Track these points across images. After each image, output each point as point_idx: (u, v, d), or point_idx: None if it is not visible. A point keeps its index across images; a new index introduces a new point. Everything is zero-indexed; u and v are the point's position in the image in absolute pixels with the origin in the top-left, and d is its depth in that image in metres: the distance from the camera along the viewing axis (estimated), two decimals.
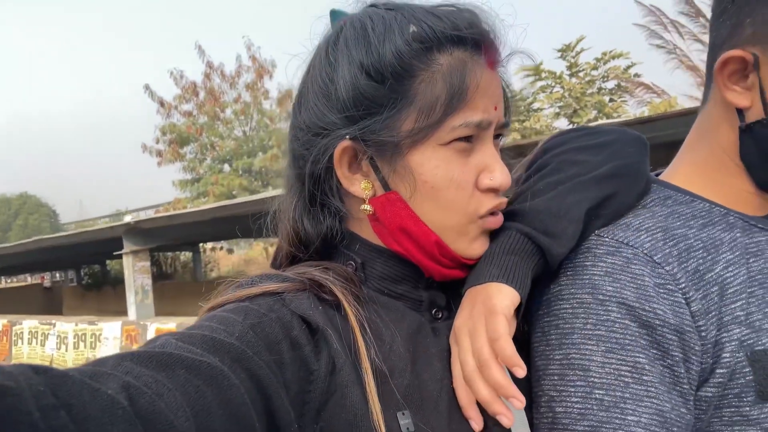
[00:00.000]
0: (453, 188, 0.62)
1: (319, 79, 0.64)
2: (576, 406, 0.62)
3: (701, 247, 0.66)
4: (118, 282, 16.40)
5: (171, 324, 6.99)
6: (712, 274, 0.65)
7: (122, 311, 11.83)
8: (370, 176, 0.64)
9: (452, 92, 0.60)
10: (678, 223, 0.69)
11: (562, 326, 0.65)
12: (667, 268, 0.64)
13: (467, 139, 0.62)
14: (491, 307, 0.61)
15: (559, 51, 11.54)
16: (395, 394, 0.59)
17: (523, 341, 0.69)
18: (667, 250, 0.65)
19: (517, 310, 0.63)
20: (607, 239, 0.67)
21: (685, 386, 0.62)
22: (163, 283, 14.25)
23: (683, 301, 0.63)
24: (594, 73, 11.62)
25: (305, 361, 0.57)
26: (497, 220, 0.66)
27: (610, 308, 0.63)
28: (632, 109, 11.24)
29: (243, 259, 20.34)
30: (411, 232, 0.64)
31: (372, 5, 0.66)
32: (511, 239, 0.66)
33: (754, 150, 0.68)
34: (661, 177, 0.78)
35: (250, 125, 16.15)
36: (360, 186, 0.64)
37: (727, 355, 0.62)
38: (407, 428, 0.58)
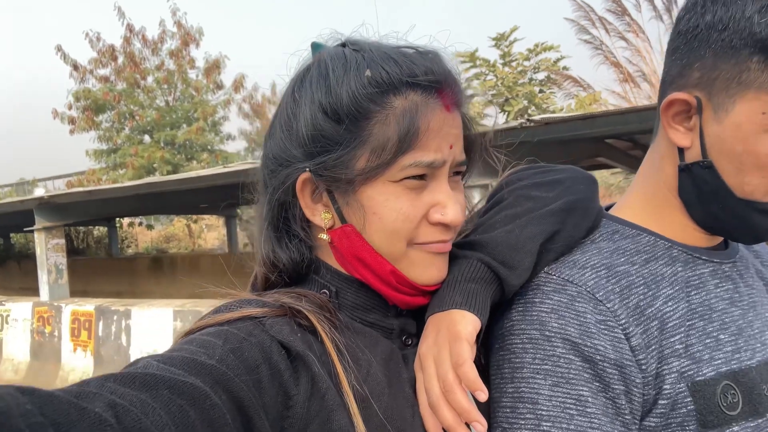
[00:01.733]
0: (400, 220, 0.65)
1: (285, 113, 0.69)
2: None
3: (642, 283, 0.70)
4: (23, 257, 15.25)
5: (89, 306, 6.50)
6: (652, 309, 0.68)
7: (28, 288, 11.01)
8: (329, 208, 0.68)
9: (403, 134, 0.62)
10: (622, 260, 0.72)
11: (513, 360, 0.68)
12: (609, 305, 0.67)
13: (420, 177, 0.65)
14: (455, 334, 0.64)
15: (493, 39, 11.71)
16: (377, 417, 0.62)
17: (481, 371, 0.72)
18: (610, 287, 0.68)
19: (478, 335, 0.67)
20: (554, 277, 0.70)
21: (627, 416, 0.65)
22: (75, 259, 13.37)
23: (623, 337, 0.66)
24: (526, 63, 11.92)
25: (284, 386, 0.58)
26: (439, 247, 0.68)
27: (555, 344, 0.66)
28: (560, 101, 11.66)
29: (163, 235, 19.48)
30: (367, 262, 0.67)
31: (342, 44, 0.69)
32: (472, 267, 0.69)
33: (691, 189, 0.72)
34: (612, 210, 0.82)
35: (173, 95, 15.31)
36: (321, 216, 0.68)
37: (668, 386, 0.66)
38: None
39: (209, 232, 20.01)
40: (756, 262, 0.82)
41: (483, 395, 0.60)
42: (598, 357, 0.65)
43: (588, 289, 0.68)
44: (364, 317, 0.70)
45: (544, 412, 0.64)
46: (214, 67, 15.02)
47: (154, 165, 13.89)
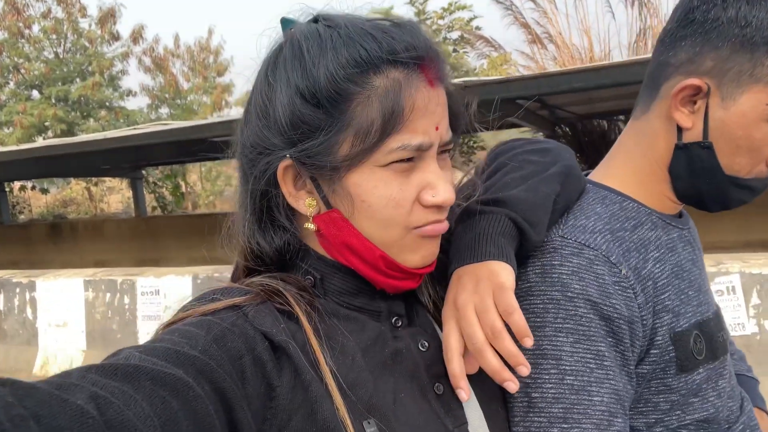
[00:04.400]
0: (391, 207, 0.63)
1: (260, 99, 0.65)
2: (550, 391, 0.70)
3: (635, 247, 0.77)
4: None
5: None
6: (646, 270, 0.76)
7: None
8: (314, 194, 0.66)
9: (387, 115, 0.60)
10: (618, 225, 0.78)
11: (533, 320, 0.72)
12: (621, 267, 0.74)
13: (408, 159, 0.63)
14: (500, 284, 0.66)
15: None
16: (361, 404, 0.61)
17: None
18: (618, 251, 0.75)
19: None
20: (570, 241, 0.75)
21: (631, 367, 0.73)
22: None
23: (633, 296, 0.73)
24: (440, 22, 11.99)
25: (267, 377, 0.58)
26: (436, 228, 0.66)
27: (578, 304, 0.71)
28: (473, 62, 11.88)
29: (59, 199, 18.11)
30: (355, 248, 0.65)
31: (314, 20, 0.66)
32: (502, 223, 0.71)
33: (685, 165, 0.79)
34: (592, 177, 0.88)
35: (63, 46, 14.01)
36: (305, 203, 0.66)
37: (659, 338, 0.75)
38: None
39: (112, 195, 18.85)
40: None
41: (530, 341, 0.63)
42: (616, 315, 0.71)
43: (603, 253, 0.74)
44: (350, 302, 0.68)
45: (567, 367, 0.70)
46: (108, 15, 13.84)
47: (46, 123, 12.79)
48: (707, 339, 0.78)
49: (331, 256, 0.68)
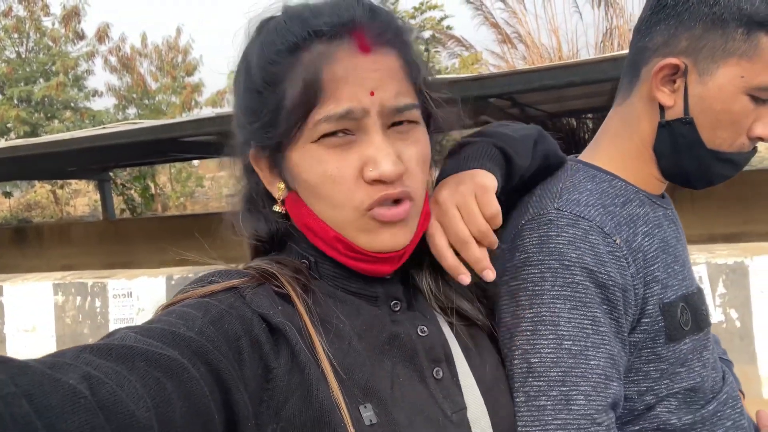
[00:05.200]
0: (329, 184, 0.62)
1: (234, 99, 0.71)
2: (549, 355, 0.72)
3: (624, 222, 0.81)
4: None
5: None
6: (636, 243, 0.80)
7: None
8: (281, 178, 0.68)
9: (307, 87, 0.60)
10: (608, 201, 0.82)
11: (531, 288, 0.75)
12: (614, 238, 0.77)
13: (344, 132, 0.61)
14: (483, 185, 0.67)
15: None
16: (357, 388, 0.61)
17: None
18: (611, 223, 0.79)
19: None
20: (566, 213, 0.78)
21: (624, 334, 0.76)
22: None
23: (626, 265, 0.77)
24: (412, 22, 12.02)
25: (264, 359, 0.58)
26: (393, 213, 0.62)
27: (575, 272, 0.74)
28: (445, 61, 11.96)
29: (23, 203, 17.58)
30: (313, 229, 0.66)
31: (269, 18, 0.67)
32: (486, 148, 0.73)
33: (668, 142, 0.83)
34: (581, 158, 0.91)
35: (26, 45, 13.61)
36: (276, 188, 0.68)
37: (650, 307, 0.78)
38: (370, 420, 0.59)
39: (78, 198, 18.39)
40: None
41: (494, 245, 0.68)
42: (610, 282, 0.74)
43: (597, 224, 0.77)
44: (346, 285, 0.68)
45: (564, 332, 0.72)
46: (72, 14, 13.49)
47: (8, 125, 12.40)
48: (692, 311, 0.82)
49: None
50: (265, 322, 0.60)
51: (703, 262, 3.29)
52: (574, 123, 8.04)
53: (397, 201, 0.63)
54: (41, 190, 16.85)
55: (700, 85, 0.78)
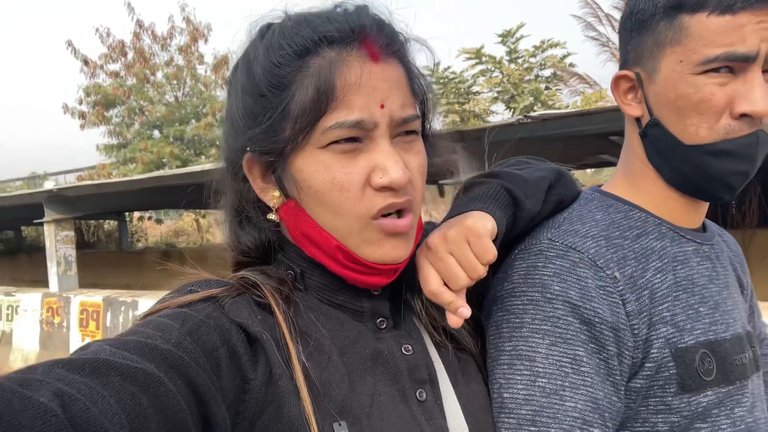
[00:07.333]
0: (336, 191, 0.61)
1: (228, 105, 0.69)
2: (521, 392, 0.69)
3: (633, 256, 0.75)
4: (34, 250, 15.43)
5: (97, 298, 6.63)
6: (644, 279, 0.74)
7: (39, 281, 11.15)
8: (276, 185, 0.66)
9: (319, 93, 0.59)
10: (617, 233, 0.77)
11: (512, 320, 0.72)
12: (608, 272, 0.72)
13: (353, 140, 0.61)
14: (476, 231, 0.64)
15: (499, 36, 11.73)
16: (333, 405, 0.59)
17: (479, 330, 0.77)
18: (609, 256, 0.74)
19: (494, 240, 0.67)
20: (557, 243, 0.75)
21: (617, 377, 0.70)
22: (85, 252, 13.54)
23: (620, 302, 0.71)
24: (532, 60, 11.93)
25: (242, 370, 0.57)
26: (398, 225, 0.62)
27: (556, 305, 0.70)
28: (566, 99, 11.66)
29: (172, 230, 19.64)
30: (312, 238, 0.64)
31: (269, 24, 0.67)
32: (493, 189, 0.71)
33: (653, 150, 0.80)
34: (603, 188, 0.88)
35: (182, 90, 15.42)
36: (270, 195, 0.66)
37: (655, 351, 0.71)
38: None
39: (218, 226, 20.10)
40: (729, 252, 0.89)
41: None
42: (597, 319, 0.69)
43: (590, 257, 0.72)
44: (331, 298, 0.67)
45: (540, 369, 0.68)
46: (222, 62, 15.09)
47: (164, 160, 14.02)
48: (719, 360, 0.73)
49: (301, 248, 0.67)
50: (243, 332, 0.59)
51: None
52: None
53: (399, 212, 0.63)
54: (187, 218, 18.74)
55: (653, 84, 0.78)
